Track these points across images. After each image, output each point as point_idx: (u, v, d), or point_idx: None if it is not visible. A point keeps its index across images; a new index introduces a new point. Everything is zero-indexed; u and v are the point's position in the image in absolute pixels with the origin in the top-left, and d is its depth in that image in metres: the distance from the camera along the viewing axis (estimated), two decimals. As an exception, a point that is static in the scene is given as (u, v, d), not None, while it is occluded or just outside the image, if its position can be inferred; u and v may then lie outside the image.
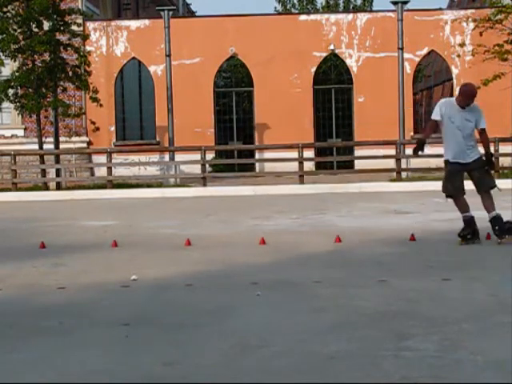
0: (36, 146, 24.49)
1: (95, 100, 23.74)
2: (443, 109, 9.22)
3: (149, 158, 27.40)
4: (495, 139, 22.17)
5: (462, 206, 9.27)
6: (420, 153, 9.51)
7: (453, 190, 9.29)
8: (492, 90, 24.33)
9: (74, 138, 27.65)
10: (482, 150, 9.32)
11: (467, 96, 9.04)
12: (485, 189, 9.21)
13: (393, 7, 26.92)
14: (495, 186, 9.25)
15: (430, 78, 30.21)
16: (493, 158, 9.51)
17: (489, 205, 9.14)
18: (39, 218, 14.34)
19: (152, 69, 28.28)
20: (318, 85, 28.54)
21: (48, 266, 8.15)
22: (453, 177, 9.25)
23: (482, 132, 9.23)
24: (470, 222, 9.12)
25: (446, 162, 9.35)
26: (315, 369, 4.19)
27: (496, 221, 9.02)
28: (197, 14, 43.64)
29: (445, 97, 29.03)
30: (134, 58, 28.37)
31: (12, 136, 28.02)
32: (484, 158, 9.28)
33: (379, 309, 5.61)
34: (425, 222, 11.45)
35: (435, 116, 9.32)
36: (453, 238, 9.55)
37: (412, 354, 4.40)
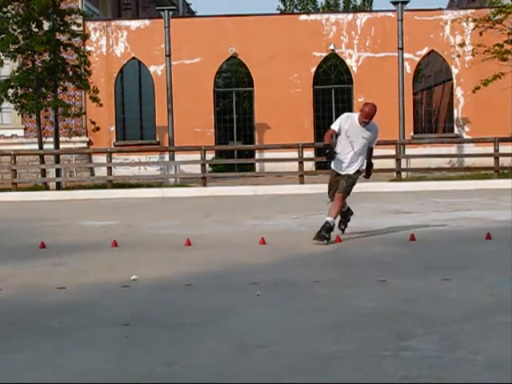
0: (36, 146, 24.49)
1: (95, 100, 23.74)
2: (343, 123, 9.68)
3: (149, 157, 27.40)
4: (495, 139, 22.17)
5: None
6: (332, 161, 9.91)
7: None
8: (492, 90, 24.35)
9: (74, 138, 27.64)
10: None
11: (366, 116, 9.62)
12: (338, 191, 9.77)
13: (393, 7, 26.91)
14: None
15: (430, 77, 30.22)
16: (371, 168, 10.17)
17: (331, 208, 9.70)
18: (39, 218, 14.33)
19: (152, 69, 28.29)
20: (318, 85, 28.55)
21: (48, 265, 8.15)
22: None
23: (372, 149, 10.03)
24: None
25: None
26: (315, 369, 4.19)
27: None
28: (197, 14, 43.65)
29: (444, 97, 29.08)
30: (134, 57, 28.38)
31: (12, 136, 28.02)
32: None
33: (379, 309, 5.61)
34: (425, 222, 11.44)
35: (334, 127, 9.71)
36: (453, 238, 9.57)
37: (412, 354, 4.40)
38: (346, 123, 9.61)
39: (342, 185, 9.65)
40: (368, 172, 10.01)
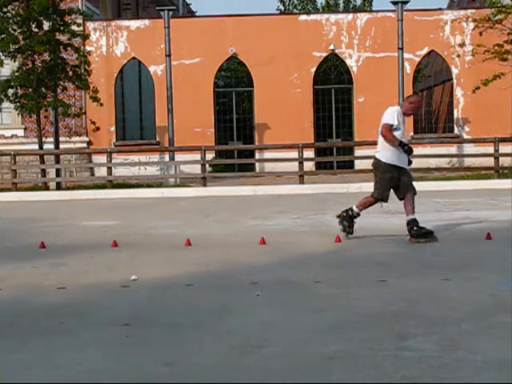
0: (36, 146, 24.50)
1: (95, 99, 23.75)
2: (399, 117, 9.55)
3: (149, 157, 27.42)
4: (495, 139, 22.17)
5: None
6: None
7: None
8: (492, 90, 24.37)
9: (74, 138, 27.66)
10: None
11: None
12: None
13: (393, 7, 26.92)
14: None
15: (430, 77, 30.22)
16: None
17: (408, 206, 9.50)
18: (39, 218, 14.33)
19: (152, 69, 28.29)
20: (318, 85, 28.55)
21: (48, 266, 8.15)
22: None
23: None
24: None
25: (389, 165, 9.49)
26: (315, 369, 4.19)
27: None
28: (197, 14, 43.65)
29: (445, 97, 29.06)
30: (134, 58, 28.39)
31: (12, 136, 28.02)
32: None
33: (379, 309, 5.61)
34: (424, 222, 11.42)
35: (393, 121, 9.56)
36: (453, 238, 9.57)
37: (412, 353, 4.40)
38: (400, 116, 9.54)
39: (410, 182, 9.46)
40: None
